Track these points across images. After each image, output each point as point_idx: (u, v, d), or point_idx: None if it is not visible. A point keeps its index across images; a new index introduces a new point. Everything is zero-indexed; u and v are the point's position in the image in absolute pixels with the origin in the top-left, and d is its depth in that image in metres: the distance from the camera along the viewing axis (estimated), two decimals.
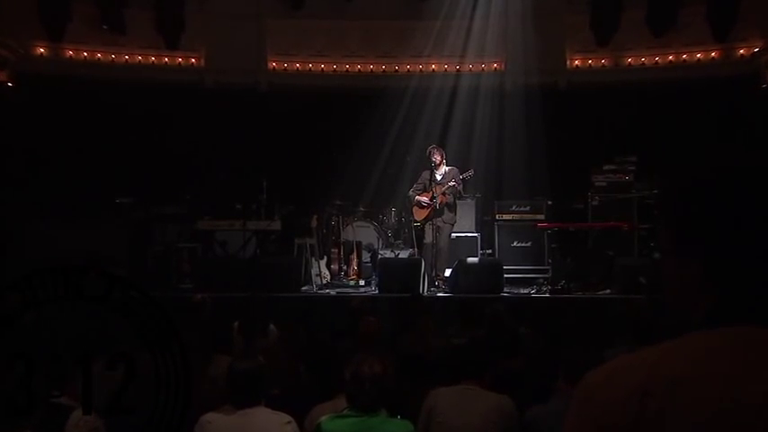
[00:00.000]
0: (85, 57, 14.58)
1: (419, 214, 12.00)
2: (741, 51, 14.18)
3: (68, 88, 13.88)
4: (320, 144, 14.12)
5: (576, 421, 1.39)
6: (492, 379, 4.86)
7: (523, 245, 12.88)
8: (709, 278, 1.37)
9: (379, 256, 12.32)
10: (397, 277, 11.06)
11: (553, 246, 12.49)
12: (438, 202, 11.62)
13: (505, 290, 11.35)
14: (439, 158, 11.76)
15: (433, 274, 11.61)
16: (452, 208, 11.83)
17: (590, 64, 14.98)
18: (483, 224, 13.27)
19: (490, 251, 13.00)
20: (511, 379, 5.41)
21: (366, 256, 12.71)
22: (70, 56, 14.51)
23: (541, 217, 12.91)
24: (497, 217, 13.09)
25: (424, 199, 11.81)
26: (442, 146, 12.31)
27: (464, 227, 12.80)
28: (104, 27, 14.45)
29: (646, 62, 14.73)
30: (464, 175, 11.76)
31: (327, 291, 11.56)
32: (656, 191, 12.21)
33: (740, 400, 1.24)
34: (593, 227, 12.40)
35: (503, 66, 15.14)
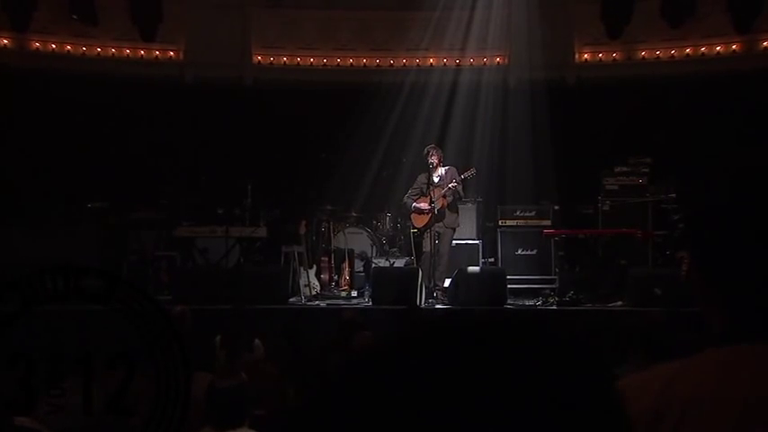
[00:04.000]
0: (53, 49, 14.60)
1: (418, 221, 12.00)
2: (765, 43, 14.26)
3: (34, 83, 13.86)
4: (309, 144, 14.15)
5: None
6: None
7: (528, 253, 12.93)
8: (724, 293, 1.38)
9: (373, 265, 12.35)
10: (393, 288, 11.09)
11: (560, 254, 12.57)
12: (438, 206, 11.66)
13: (509, 301, 11.40)
14: (437, 160, 11.77)
15: (431, 284, 11.64)
16: (454, 209, 11.84)
17: (600, 58, 15.05)
18: (485, 230, 13.30)
19: (492, 260, 13.05)
20: None
21: (359, 265, 12.75)
22: (36, 47, 14.53)
23: (548, 223, 12.96)
24: (500, 223, 13.12)
25: (423, 205, 11.82)
26: (440, 146, 12.35)
27: (465, 233, 12.82)
28: (74, 17, 14.43)
29: (661, 56, 14.80)
30: (465, 175, 11.77)
31: (317, 302, 11.59)
32: (672, 195, 12.28)
33: (756, 425, 1.24)
34: (604, 234, 12.46)
35: (506, 60, 15.21)
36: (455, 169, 11.87)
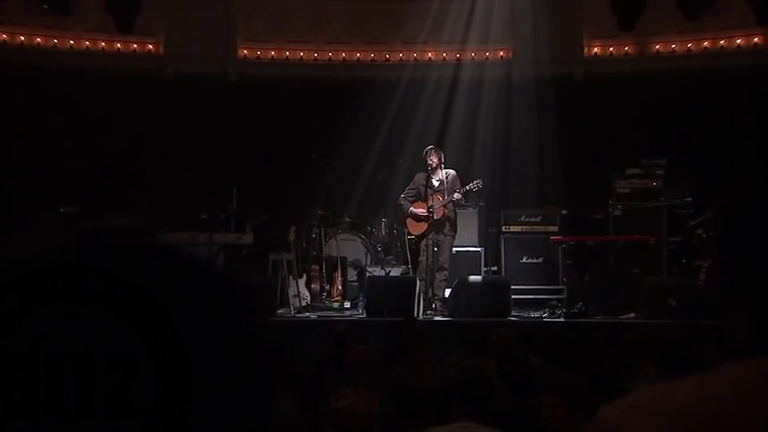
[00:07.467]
0: (22, 41, 14.60)
1: (415, 228, 12.04)
2: None
3: (2, 77, 13.92)
4: (299, 144, 14.18)
5: None
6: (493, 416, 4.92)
7: (534, 261, 12.97)
8: (753, 301, 1.38)
9: (368, 274, 12.42)
10: (388, 298, 11.15)
11: (568, 262, 12.61)
12: (437, 215, 11.70)
13: (513, 313, 11.47)
14: (436, 161, 11.82)
15: (430, 294, 11.70)
16: (453, 220, 11.91)
17: (611, 51, 15.10)
18: (487, 237, 13.32)
19: (495, 268, 13.10)
20: (519, 417, 5.49)
21: (352, 274, 12.80)
22: (4, 40, 14.54)
23: (555, 229, 13.00)
24: (504, 229, 13.15)
25: (421, 211, 11.86)
26: (440, 146, 12.39)
27: (466, 240, 12.85)
28: (45, 6, 14.43)
29: (676, 49, 14.84)
30: (469, 187, 11.81)
31: (307, 314, 11.64)
32: (688, 199, 12.34)
33: None
34: (615, 240, 12.52)
35: (510, 54, 15.27)
36: (456, 174, 11.92)
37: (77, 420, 0.91)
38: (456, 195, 11.63)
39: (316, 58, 15.32)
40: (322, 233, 12.83)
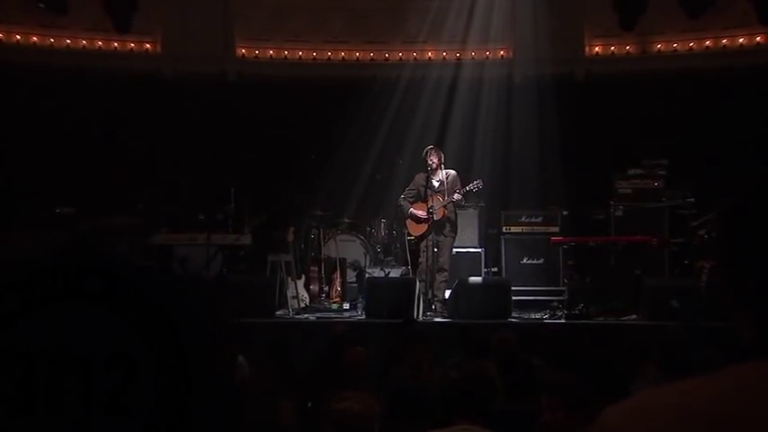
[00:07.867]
0: (18, 40, 14.60)
1: (415, 229, 12.06)
2: None
3: None
4: (298, 144, 14.15)
5: None
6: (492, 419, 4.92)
7: (535, 262, 12.98)
8: (756, 302, 1.37)
9: (367, 275, 12.41)
10: (388, 300, 11.15)
11: (569, 263, 12.62)
12: (437, 216, 11.71)
13: (514, 314, 11.48)
14: (436, 161, 11.83)
15: (430, 295, 11.71)
16: (453, 221, 11.93)
17: (613, 51, 15.10)
18: (488, 238, 13.32)
19: (496, 269, 13.10)
20: (519, 420, 5.49)
21: (351, 276, 12.79)
22: (0, 39, 14.54)
23: (556, 230, 13.01)
24: (504, 230, 13.15)
25: (421, 213, 11.87)
26: (440, 146, 12.39)
27: (466, 241, 12.86)
28: (41, 5, 14.42)
29: (678, 48, 14.85)
30: (469, 187, 11.82)
31: (306, 316, 11.65)
32: (690, 199, 12.35)
33: None
34: (617, 241, 12.52)
35: (510, 53, 15.27)
36: (456, 174, 11.93)
37: (77, 420, 0.92)
38: (456, 196, 11.65)
39: (314, 58, 15.32)
40: (321, 234, 12.83)
